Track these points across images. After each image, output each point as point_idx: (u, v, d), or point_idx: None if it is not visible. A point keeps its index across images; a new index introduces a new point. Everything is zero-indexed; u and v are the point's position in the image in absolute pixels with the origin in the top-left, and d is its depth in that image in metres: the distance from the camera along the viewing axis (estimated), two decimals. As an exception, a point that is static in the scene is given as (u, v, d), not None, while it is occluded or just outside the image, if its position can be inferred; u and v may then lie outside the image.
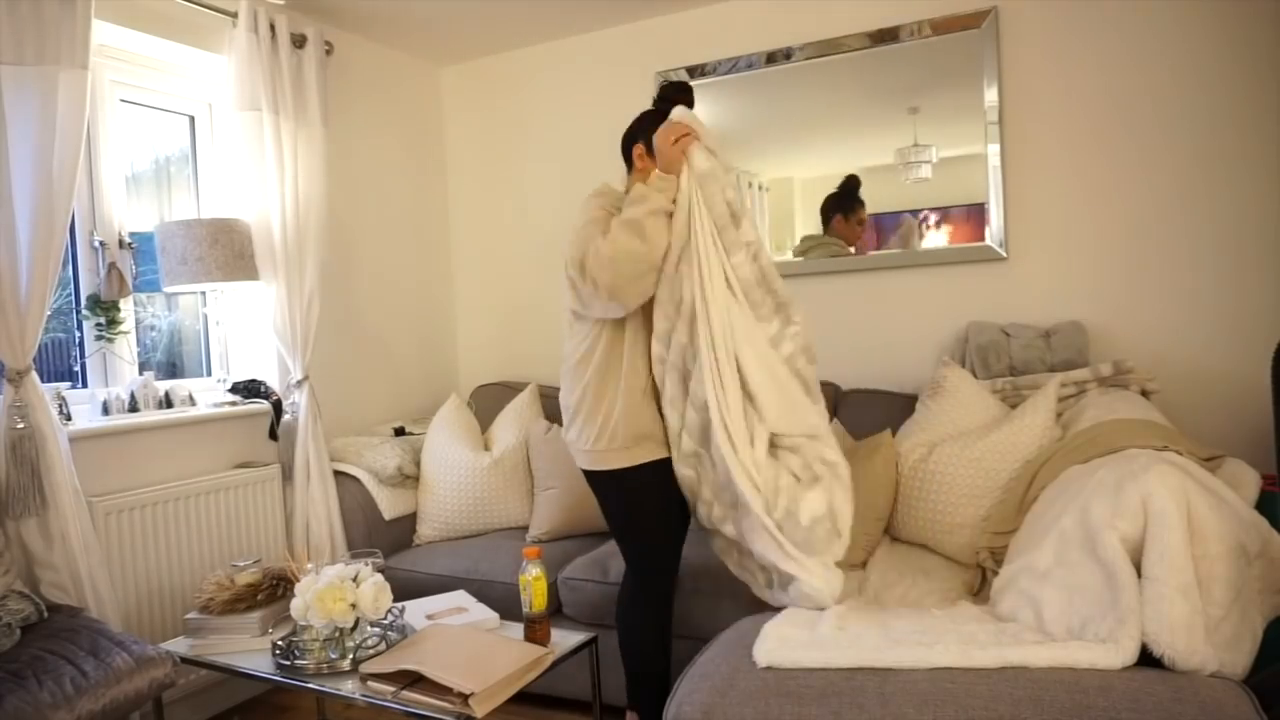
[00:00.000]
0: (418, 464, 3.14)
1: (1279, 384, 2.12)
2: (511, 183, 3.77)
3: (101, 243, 2.66)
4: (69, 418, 2.44)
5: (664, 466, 2.04)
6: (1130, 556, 1.51)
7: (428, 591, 2.64)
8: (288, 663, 1.96)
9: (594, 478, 2.10)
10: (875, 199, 3.04)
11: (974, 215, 2.92)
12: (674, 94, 2.10)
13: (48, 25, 2.20)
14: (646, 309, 2.04)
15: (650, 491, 2.05)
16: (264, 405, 2.90)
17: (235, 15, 2.84)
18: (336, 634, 1.96)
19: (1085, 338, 2.67)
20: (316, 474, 2.91)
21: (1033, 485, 2.04)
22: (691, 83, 3.29)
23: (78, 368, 2.67)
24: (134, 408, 2.60)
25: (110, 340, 2.67)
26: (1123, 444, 1.87)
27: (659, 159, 2.01)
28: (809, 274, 3.16)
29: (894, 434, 2.56)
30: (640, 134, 2.10)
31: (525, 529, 3.01)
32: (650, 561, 2.11)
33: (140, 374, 2.74)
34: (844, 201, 3.09)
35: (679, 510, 2.10)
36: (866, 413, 2.83)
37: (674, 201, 1.98)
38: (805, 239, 3.18)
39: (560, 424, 3.12)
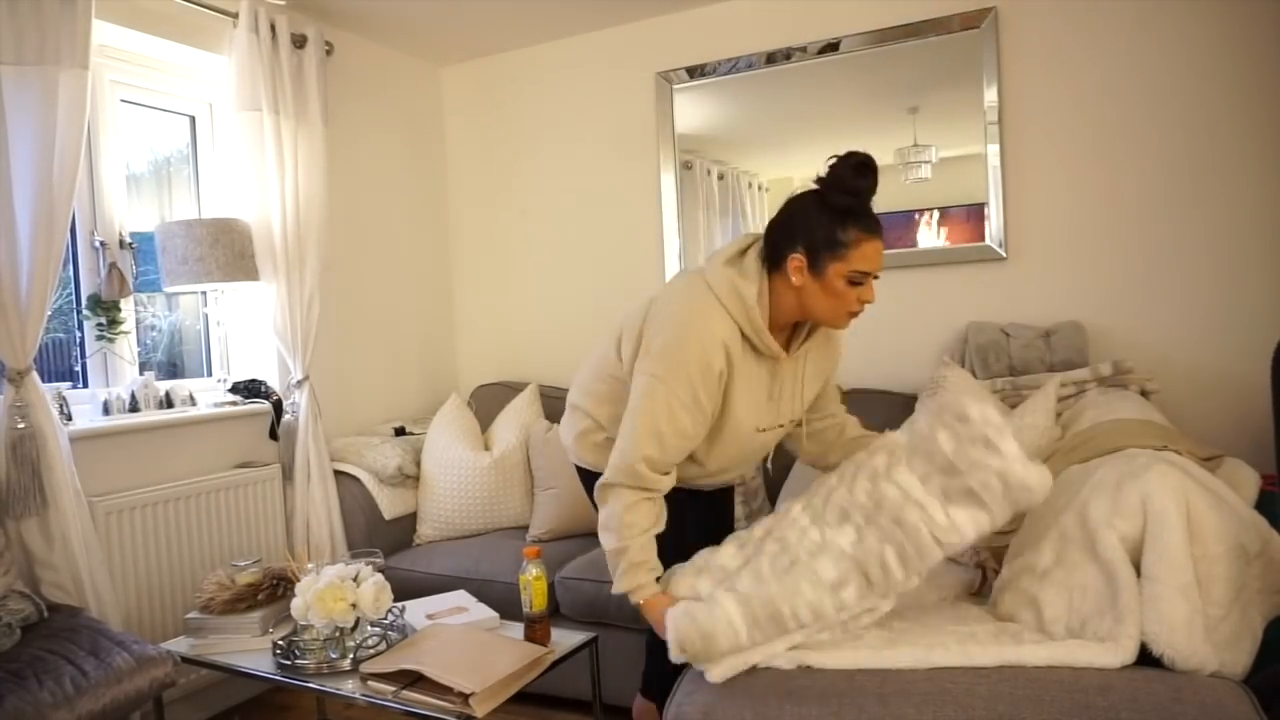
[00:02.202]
0: (418, 464, 3.14)
1: (1279, 384, 2.12)
2: (511, 183, 3.77)
3: (102, 243, 2.67)
4: (69, 418, 2.44)
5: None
6: (1130, 556, 1.51)
7: (428, 591, 2.64)
8: (288, 662, 1.96)
9: (584, 476, 1.94)
10: (875, 199, 3.03)
11: (974, 215, 2.92)
12: (850, 181, 1.61)
13: (48, 25, 2.20)
14: None
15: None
16: (264, 405, 2.90)
17: (235, 15, 2.85)
18: (337, 634, 1.96)
19: (1085, 338, 2.67)
20: (317, 474, 2.91)
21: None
22: (692, 83, 3.30)
23: (78, 368, 2.67)
24: (134, 408, 2.60)
25: (111, 340, 2.67)
26: (1122, 444, 1.87)
27: (819, 315, 1.66)
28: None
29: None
30: (802, 235, 1.62)
31: (525, 529, 3.01)
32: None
33: (141, 374, 2.74)
34: None
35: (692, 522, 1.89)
36: (866, 413, 2.79)
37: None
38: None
39: (559, 424, 3.14)
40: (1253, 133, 2.58)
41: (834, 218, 1.60)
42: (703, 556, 1.73)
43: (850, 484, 1.67)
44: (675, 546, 1.75)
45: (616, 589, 1.69)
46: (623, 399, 1.73)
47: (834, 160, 1.62)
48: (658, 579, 1.70)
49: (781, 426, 1.80)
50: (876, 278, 1.64)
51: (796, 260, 1.62)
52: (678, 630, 1.52)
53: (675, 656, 1.53)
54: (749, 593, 1.54)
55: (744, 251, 1.71)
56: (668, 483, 1.70)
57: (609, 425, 1.82)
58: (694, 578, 1.67)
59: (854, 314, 1.67)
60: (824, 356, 1.83)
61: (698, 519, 1.95)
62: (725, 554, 1.71)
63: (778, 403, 1.75)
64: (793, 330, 1.76)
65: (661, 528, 1.71)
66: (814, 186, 1.64)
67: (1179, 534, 1.47)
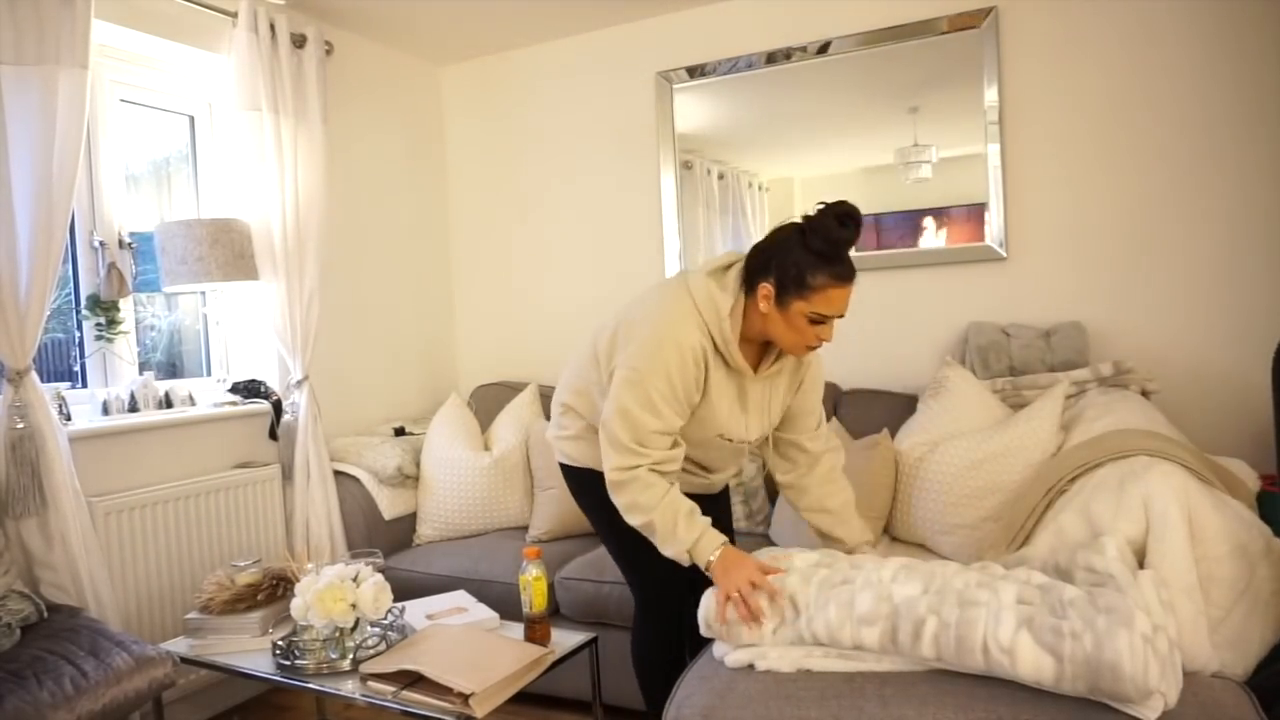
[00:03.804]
0: (418, 464, 3.14)
1: (1279, 384, 2.12)
2: (511, 182, 3.77)
3: (101, 242, 2.66)
4: (69, 418, 2.44)
5: None
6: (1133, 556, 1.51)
7: (428, 591, 2.64)
8: (288, 663, 1.96)
9: (569, 474, 1.98)
10: (875, 199, 3.04)
11: (974, 215, 2.92)
12: (833, 231, 1.65)
13: (48, 25, 2.20)
14: None
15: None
16: (264, 405, 2.90)
17: (235, 15, 2.84)
18: (336, 634, 1.96)
19: (1085, 338, 2.67)
20: (316, 474, 2.91)
21: (1032, 514, 1.99)
22: (692, 83, 3.30)
23: (77, 368, 2.66)
24: (134, 408, 2.60)
25: (110, 340, 2.67)
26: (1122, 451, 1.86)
27: (778, 341, 1.73)
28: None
29: (894, 434, 2.56)
30: (776, 268, 1.69)
31: (525, 529, 3.01)
32: (646, 574, 1.91)
33: (140, 374, 2.74)
34: None
35: None
36: (866, 413, 2.83)
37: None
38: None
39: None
40: (1253, 132, 2.58)
41: (808, 260, 1.65)
42: (787, 550, 1.78)
43: (962, 570, 1.59)
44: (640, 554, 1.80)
45: (674, 554, 1.70)
46: (603, 396, 1.78)
47: (822, 205, 1.68)
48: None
49: (754, 439, 1.87)
50: (841, 316, 1.71)
51: (765, 289, 1.69)
52: (704, 606, 1.61)
53: (704, 631, 1.62)
54: (789, 593, 1.57)
55: (729, 267, 1.79)
56: (667, 456, 1.73)
57: (592, 418, 1.87)
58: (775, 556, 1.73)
59: (811, 348, 1.74)
60: (794, 381, 1.90)
61: None
62: (806, 557, 1.73)
63: (749, 416, 1.82)
64: (763, 351, 1.82)
65: (679, 488, 1.74)
66: (800, 221, 1.70)
67: (1181, 535, 1.48)
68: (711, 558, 1.66)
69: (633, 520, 1.72)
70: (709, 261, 1.81)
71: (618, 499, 1.73)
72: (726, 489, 2.19)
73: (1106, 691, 1.28)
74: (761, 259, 1.71)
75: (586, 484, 1.92)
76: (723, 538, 1.71)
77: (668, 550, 1.70)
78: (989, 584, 1.49)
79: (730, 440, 1.82)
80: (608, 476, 1.74)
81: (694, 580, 1.75)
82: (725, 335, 1.71)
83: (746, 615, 1.59)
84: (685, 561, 1.69)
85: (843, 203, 1.67)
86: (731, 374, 1.77)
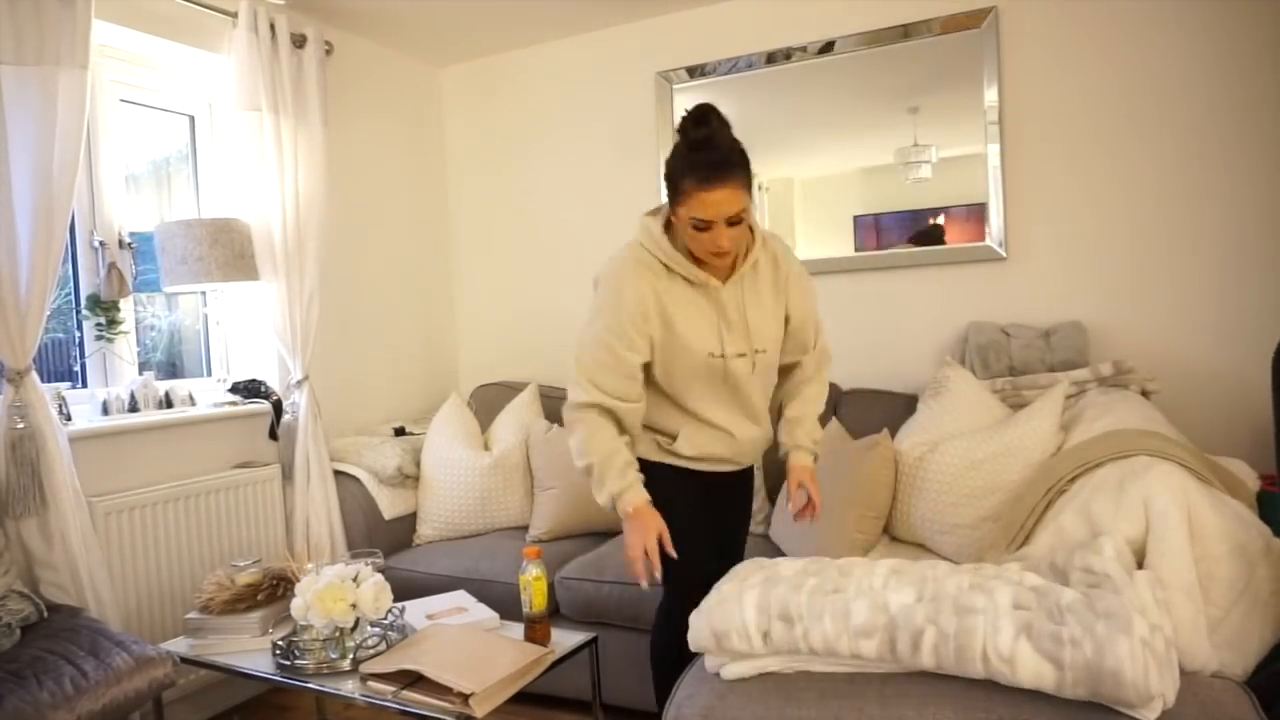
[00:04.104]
0: (418, 464, 3.14)
1: (1279, 384, 2.12)
2: (511, 182, 3.77)
3: (101, 242, 2.66)
4: (69, 418, 2.44)
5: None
6: (1133, 556, 1.51)
7: (428, 591, 2.64)
8: (288, 663, 1.96)
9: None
10: (875, 199, 3.04)
11: (974, 215, 2.92)
12: (689, 132, 1.70)
13: (48, 25, 2.20)
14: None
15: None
16: (264, 405, 2.90)
17: (235, 15, 2.84)
18: (336, 634, 1.96)
19: (1085, 338, 2.67)
20: (316, 474, 2.91)
21: (1032, 514, 1.99)
22: (692, 83, 3.31)
23: (78, 368, 2.66)
24: (134, 408, 2.60)
25: (110, 340, 2.67)
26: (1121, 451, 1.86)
27: (694, 251, 1.78)
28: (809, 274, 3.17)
29: (894, 434, 2.56)
30: (668, 180, 1.76)
31: (525, 529, 3.01)
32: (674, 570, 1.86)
33: (140, 374, 2.74)
34: None
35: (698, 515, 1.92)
36: (866, 413, 2.83)
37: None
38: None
39: (560, 424, 3.13)
40: (1253, 132, 2.58)
41: (680, 167, 1.70)
42: (773, 560, 1.76)
43: (954, 571, 1.58)
44: (686, 532, 1.82)
45: (603, 500, 1.80)
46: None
47: (686, 111, 1.74)
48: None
49: (748, 355, 1.87)
50: (737, 222, 1.70)
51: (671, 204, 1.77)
52: (694, 627, 1.58)
53: (694, 647, 1.60)
54: (778, 603, 1.54)
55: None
56: (621, 403, 1.81)
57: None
58: (754, 570, 1.69)
59: (716, 255, 1.75)
60: (774, 288, 1.91)
61: (713, 504, 1.99)
62: (790, 564, 1.70)
63: (733, 329, 1.85)
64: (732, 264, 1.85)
65: (625, 441, 1.84)
66: None
67: (1181, 535, 1.48)
68: (629, 509, 1.77)
69: (579, 461, 1.82)
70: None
71: (570, 439, 1.84)
72: (749, 483, 2.12)
73: (1108, 697, 1.29)
74: (666, 175, 1.77)
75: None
76: (646, 496, 1.79)
77: (600, 495, 1.80)
78: (982, 586, 1.49)
79: (723, 356, 1.83)
80: (565, 415, 1.85)
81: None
82: (668, 252, 1.79)
83: (642, 572, 1.73)
84: (610, 507, 1.80)
85: (699, 105, 1.72)
86: (698, 289, 1.82)
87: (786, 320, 1.95)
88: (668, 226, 1.82)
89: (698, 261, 1.80)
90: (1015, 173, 2.86)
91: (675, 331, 1.81)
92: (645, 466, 1.88)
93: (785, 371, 2.04)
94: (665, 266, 1.80)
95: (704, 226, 1.69)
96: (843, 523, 2.36)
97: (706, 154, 1.66)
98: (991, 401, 2.51)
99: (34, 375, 2.21)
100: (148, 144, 2.94)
